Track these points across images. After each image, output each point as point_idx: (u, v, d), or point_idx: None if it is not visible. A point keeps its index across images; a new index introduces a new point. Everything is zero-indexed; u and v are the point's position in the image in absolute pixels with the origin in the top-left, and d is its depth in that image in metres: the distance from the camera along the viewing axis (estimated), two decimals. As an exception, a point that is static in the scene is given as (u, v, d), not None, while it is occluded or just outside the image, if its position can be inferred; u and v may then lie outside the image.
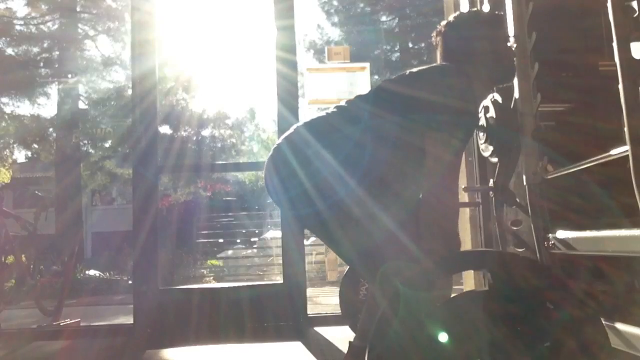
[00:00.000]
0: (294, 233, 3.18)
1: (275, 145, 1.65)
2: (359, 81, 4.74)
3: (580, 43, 2.24)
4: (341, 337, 2.38)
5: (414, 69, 1.71)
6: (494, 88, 1.97)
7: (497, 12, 2.00)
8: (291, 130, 1.65)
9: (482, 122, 2.11)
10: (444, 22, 1.85)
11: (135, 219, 3.21)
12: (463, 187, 2.67)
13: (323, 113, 1.70)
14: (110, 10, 11.27)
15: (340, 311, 2.54)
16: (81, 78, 11.34)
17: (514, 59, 1.88)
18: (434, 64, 1.79)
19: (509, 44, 1.85)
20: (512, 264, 1.30)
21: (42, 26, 11.46)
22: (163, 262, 4.82)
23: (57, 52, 11.30)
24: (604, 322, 1.72)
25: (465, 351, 1.18)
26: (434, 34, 1.84)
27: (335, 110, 1.67)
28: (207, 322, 3.07)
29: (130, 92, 6.59)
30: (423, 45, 12.19)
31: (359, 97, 1.69)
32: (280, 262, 3.56)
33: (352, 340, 1.82)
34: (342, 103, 1.68)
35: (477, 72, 1.71)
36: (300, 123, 1.68)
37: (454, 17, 1.84)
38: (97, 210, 19.33)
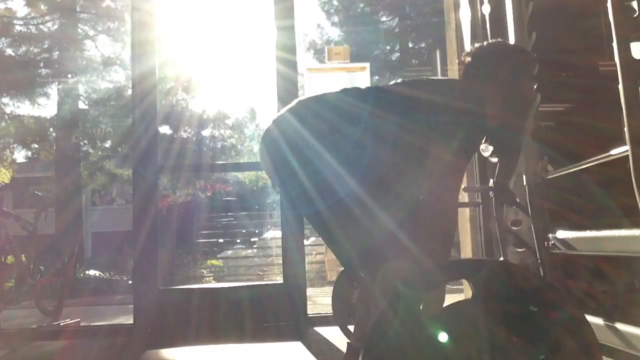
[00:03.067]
0: (294, 233, 3.18)
1: (266, 128, 1.64)
2: (359, 81, 4.75)
3: (580, 43, 2.24)
4: (341, 337, 2.38)
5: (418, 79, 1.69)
6: None
7: (525, 50, 1.85)
8: (282, 111, 1.63)
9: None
10: (466, 51, 1.75)
11: (135, 219, 3.21)
12: (463, 187, 2.66)
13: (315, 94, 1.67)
14: (110, 10, 11.26)
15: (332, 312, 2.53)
16: (81, 78, 11.32)
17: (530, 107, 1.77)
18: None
19: (531, 86, 1.70)
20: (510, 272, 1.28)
21: (42, 26, 11.45)
22: (163, 262, 4.81)
23: (57, 52, 11.28)
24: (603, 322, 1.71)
25: (464, 352, 1.18)
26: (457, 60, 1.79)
27: (321, 101, 1.63)
28: (207, 322, 3.07)
29: (130, 92, 6.59)
30: (423, 45, 12.20)
31: (358, 91, 1.66)
32: (280, 262, 3.56)
33: (349, 341, 1.83)
34: (337, 91, 1.64)
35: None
36: (298, 102, 1.64)
37: (477, 52, 1.70)
38: (97, 210, 19.30)
